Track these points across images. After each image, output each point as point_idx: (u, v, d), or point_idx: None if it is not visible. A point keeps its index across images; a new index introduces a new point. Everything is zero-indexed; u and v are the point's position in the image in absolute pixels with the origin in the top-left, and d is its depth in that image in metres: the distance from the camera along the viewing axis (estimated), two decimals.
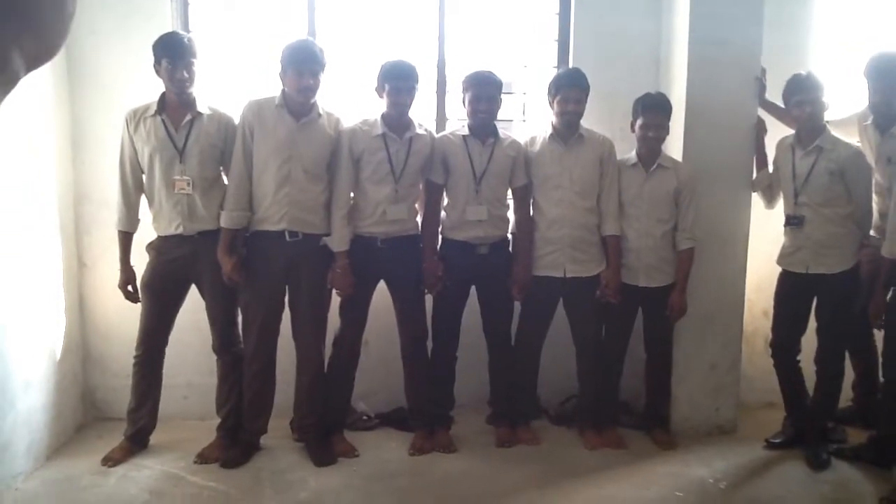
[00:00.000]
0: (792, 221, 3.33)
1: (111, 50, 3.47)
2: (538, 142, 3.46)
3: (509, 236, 3.51)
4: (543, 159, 3.42)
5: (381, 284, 3.45)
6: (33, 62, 0.60)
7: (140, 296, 3.26)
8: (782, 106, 3.42)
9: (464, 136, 3.39)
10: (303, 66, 3.08)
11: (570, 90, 3.33)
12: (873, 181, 3.32)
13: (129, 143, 3.19)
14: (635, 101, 3.39)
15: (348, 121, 3.33)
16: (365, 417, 3.72)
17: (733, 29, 3.42)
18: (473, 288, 3.52)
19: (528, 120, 4.12)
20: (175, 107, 3.16)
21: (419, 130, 3.35)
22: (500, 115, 3.47)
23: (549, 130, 3.43)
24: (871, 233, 3.31)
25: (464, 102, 3.39)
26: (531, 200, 3.50)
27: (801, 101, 3.27)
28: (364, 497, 3.07)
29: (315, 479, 3.19)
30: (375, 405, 3.78)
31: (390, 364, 3.58)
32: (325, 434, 3.41)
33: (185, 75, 3.10)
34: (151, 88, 3.22)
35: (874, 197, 3.32)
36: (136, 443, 3.34)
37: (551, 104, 3.39)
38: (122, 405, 3.41)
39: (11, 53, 0.57)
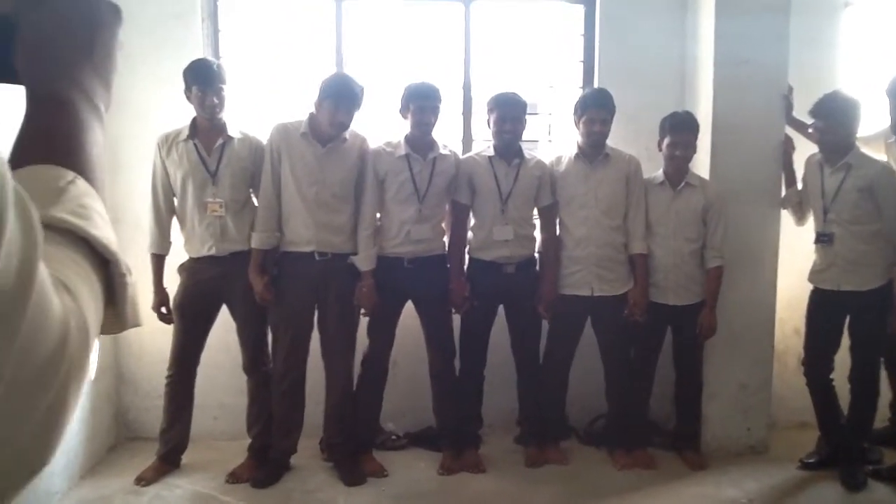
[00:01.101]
0: (822, 239, 3.31)
1: (144, 77, 3.55)
2: (564, 161, 3.48)
3: (536, 255, 3.52)
4: (569, 179, 3.44)
5: (410, 305, 3.47)
6: (106, 112, 0.65)
7: (172, 316, 3.32)
8: (809, 123, 3.40)
9: (489, 156, 3.42)
10: (339, 101, 3.13)
11: (596, 111, 3.34)
12: None
13: (161, 168, 3.26)
14: (662, 119, 3.40)
15: (374, 142, 3.38)
16: (394, 437, 3.73)
17: (759, 48, 3.42)
18: (501, 307, 3.52)
19: (553, 140, 4.14)
20: (206, 131, 3.23)
21: (443, 151, 3.39)
22: (525, 136, 3.49)
23: (575, 150, 3.45)
24: None
25: (489, 123, 3.42)
26: (557, 220, 3.51)
27: (819, 128, 3.26)
28: None
29: (345, 498, 3.20)
30: (404, 425, 3.78)
31: (418, 384, 3.59)
32: (354, 454, 3.42)
33: (215, 101, 3.17)
34: (182, 114, 3.29)
35: None
36: (169, 462, 3.38)
37: (577, 124, 3.41)
38: (154, 425, 3.46)
39: (99, 104, 0.63)
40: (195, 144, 3.22)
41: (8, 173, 0.40)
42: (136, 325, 0.59)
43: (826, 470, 3.42)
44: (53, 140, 0.57)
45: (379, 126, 3.66)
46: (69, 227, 0.52)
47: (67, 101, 0.60)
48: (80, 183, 0.57)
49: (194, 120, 3.25)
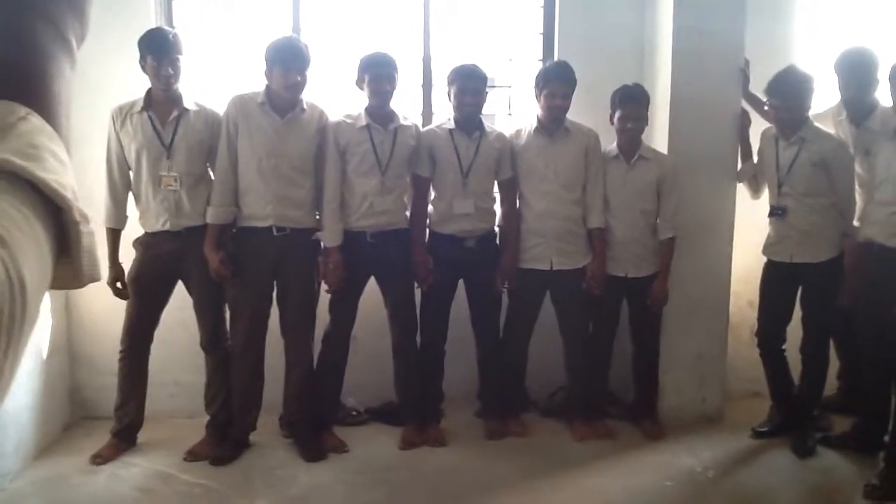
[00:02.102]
0: (776, 212, 3.36)
1: (95, 46, 3.40)
2: (524, 135, 3.47)
3: (496, 229, 3.52)
4: (529, 152, 3.43)
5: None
6: (78, 47, 0.61)
7: (127, 292, 3.25)
8: (764, 100, 3.44)
9: (450, 129, 3.40)
10: (290, 63, 3.08)
11: (557, 84, 3.33)
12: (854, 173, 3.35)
13: (115, 140, 3.18)
14: (613, 93, 3.41)
15: (333, 115, 3.33)
16: (354, 412, 3.72)
17: (717, 19, 3.45)
18: (461, 282, 3.52)
19: (513, 114, 4.12)
20: (161, 103, 3.14)
21: (404, 122, 3.36)
22: (484, 110, 3.47)
23: (535, 123, 3.44)
24: (855, 223, 3.34)
25: (449, 96, 3.39)
26: (517, 193, 3.51)
27: (774, 105, 3.30)
28: (355, 491, 3.08)
29: (306, 474, 3.19)
30: (365, 400, 3.77)
31: (379, 359, 3.58)
32: (314, 430, 3.41)
33: (171, 72, 3.09)
34: (137, 85, 3.20)
35: (857, 188, 3.36)
36: (124, 440, 3.33)
37: (538, 97, 3.40)
38: (109, 403, 3.39)
39: (69, 35, 0.58)
40: (150, 116, 3.13)
41: None
42: (95, 279, 0.54)
43: (778, 438, 3.51)
44: (3, 71, 0.52)
45: (338, 100, 3.60)
46: (12, 169, 0.47)
47: (27, 29, 0.55)
48: (34, 119, 0.52)
49: (149, 91, 3.16)
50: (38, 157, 0.49)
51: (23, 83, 0.54)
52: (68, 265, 0.52)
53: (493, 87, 3.80)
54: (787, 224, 3.32)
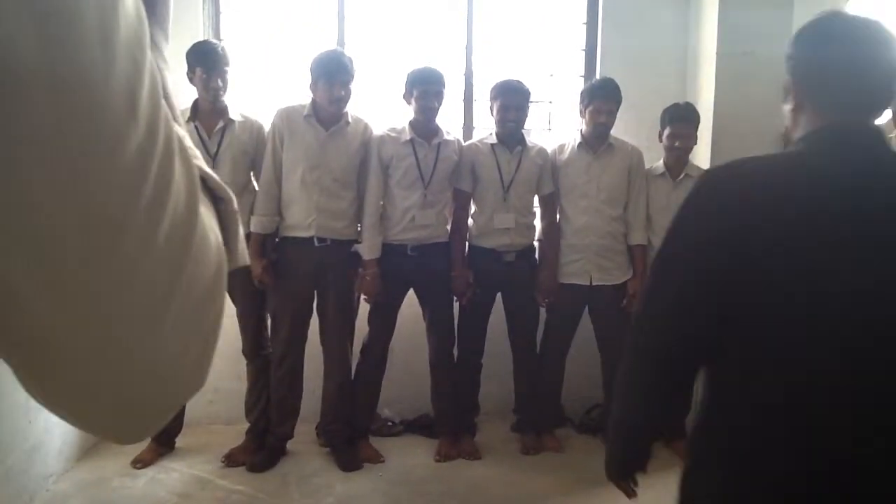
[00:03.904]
0: None
1: None
2: (567, 150, 3.48)
3: (535, 244, 3.52)
4: (572, 167, 3.44)
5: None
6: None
7: None
8: None
9: (492, 144, 3.42)
10: (334, 77, 3.12)
11: (603, 101, 3.34)
12: None
13: None
14: (663, 111, 3.40)
15: (377, 128, 3.37)
16: (390, 423, 3.74)
17: (761, 39, 3.41)
18: (499, 296, 3.53)
19: (553, 129, 4.13)
20: (208, 114, 3.21)
21: (447, 137, 3.39)
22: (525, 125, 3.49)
23: (579, 139, 3.45)
24: None
25: (492, 111, 3.41)
26: (558, 208, 3.51)
27: None
28: (389, 502, 3.08)
29: (341, 484, 3.21)
30: (401, 412, 3.79)
31: (416, 371, 3.59)
32: (350, 439, 3.43)
33: (220, 84, 3.15)
34: (184, 95, 3.26)
35: None
36: (164, 444, 3.38)
37: (582, 113, 3.40)
38: None
39: (165, 55, 0.62)
40: (196, 127, 3.19)
41: (171, 118, 0.41)
42: (246, 262, 0.58)
43: None
44: None
45: (382, 113, 3.64)
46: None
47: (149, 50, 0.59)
48: (177, 126, 0.57)
49: (196, 102, 3.22)
50: (197, 156, 0.53)
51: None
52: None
53: (534, 102, 3.81)
54: None
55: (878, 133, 1.21)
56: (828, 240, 1.13)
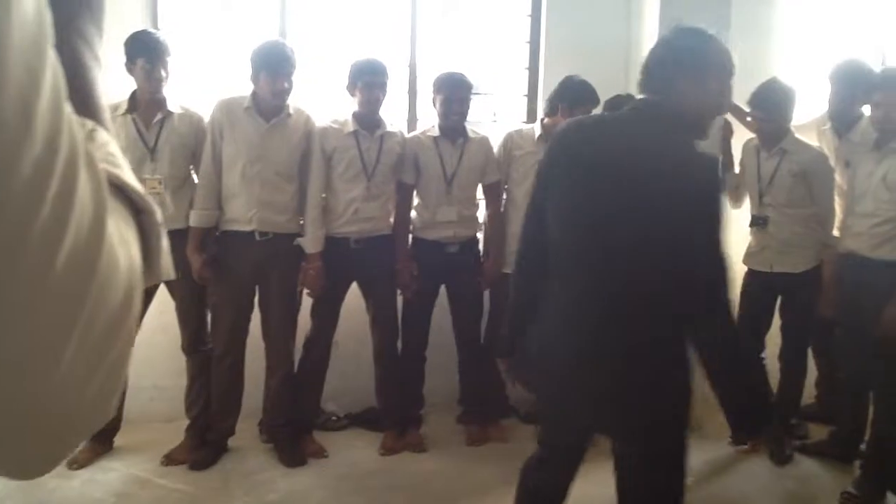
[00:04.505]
0: (757, 222, 3.40)
1: None
2: (525, 141, 3.46)
3: (478, 236, 3.53)
4: (531, 158, 3.39)
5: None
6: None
7: None
8: (747, 110, 3.48)
9: (434, 137, 3.40)
10: (276, 69, 3.07)
11: (582, 108, 3.29)
12: (835, 184, 3.39)
13: None
14: (605, 102, 3.42)
15: (319, 120, 3.32)
16: (335, 418, 3.71)
17: None
18: (443, 288, 3.52)
19: (498, 121, 4.14)
20: (146, 106, 3.12)
21: (390, 128, 3.36)
22: (470, 116, 3.48)
23: (539, 132, 3.45)
24: (834, 233, 3.37)
25: (434, 104, 3.39)
26: (503, 197, 3.51)
27: (757, 117, 3.35)
28: (333, 497, 3.06)
29: (284, 479, 3.17)
30: (346, 406, 3.76)
31: (361, 364, 3.57)
32: (294, 435, 3.39)
33: (163, 75, 3.07)
34: (121, 86, 3.16)
35: (836, 198, 3.40)
36: (101, 443, 3.29)
37: (557, 111, 3.36)
38: None
39: (96, 48, 0.59)
40: (133, 119, 3.11)
41: (77, 126, 0.37)
42: (170, 276, 0.55)
43: (757, 445, 3.54)
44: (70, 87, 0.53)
45: (324, 104, 3.59)
46: (109, 178, 0.48)
47: (74, 48, 0.56)
48: (101, 131, 0.52)
49: (134, 93, 3.13)
50: (119, 165, 0.50)
51: (85, 99, 0.55)
52: (144, 265, 0.54)
53: (478, 94, 3.81)
54: (768, 234, 3.36)
55: (664, 109, 1.74)
56: (599, 180, 1.70)
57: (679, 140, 1.72)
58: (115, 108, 3.12)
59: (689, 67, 1.74)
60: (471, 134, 3.45)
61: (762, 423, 2.24)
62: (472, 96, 3.41)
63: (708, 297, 1.70)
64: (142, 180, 3.00)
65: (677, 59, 1.76)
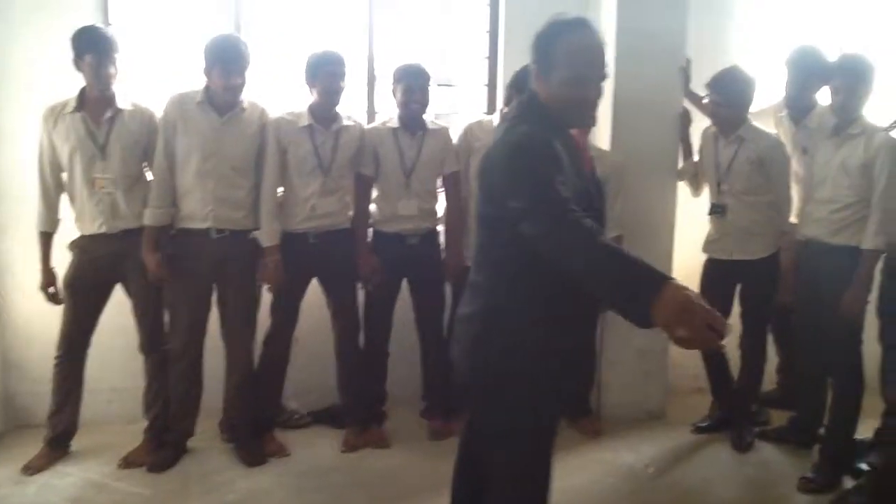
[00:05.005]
0: (715, 209, 3.40)
1: (26, 41, 3.34)
2: (484, 130, 3.41)
3: (439, 228, 3.49)
4: None
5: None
6: None
7: (62, 296, 3.16)
8: (702, 94, 3.47)
9: (393, 128, 3.36)
10: (230, 64, 3.01)
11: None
12: (791, 170, 3.40)
13: (47, 142, 3.08)
14: None
15: (274, 113, 3.27)
16: (297, 416, 3.67)
17: (659, 20, 3.47)
18: (404, 283, 3.50)
19: (460, 112, 4.10)
20: (95, 103, 3.05)
21: (347, 122, 3.31)
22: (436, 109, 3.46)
23: (498, 122, 3.41)
24: (792, 220, 3.38)
25: (394, 94, 3.35)
26: (462, 188, 3.47)
27: (713, 100, 3.34)
28: (294, 496, 3.03)
29: (244, 479, 3.14)
30: (308, 403, 3.73)
31: (322, 361, 3.53)
32: (255, 434, 3.35)
33: (112, 71, 3.00)
34: (72, 83, 3.08)
35: (793, 185, 3.40)
36: (57, 448, 3.23)
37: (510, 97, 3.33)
38: (44, 412, 3.27)
39: None
40: (82, 117, 3.03)
41: None
42: None
43: (718, 433, 3.57)
44: None
45: (279, 99, 3.54)
46: None
47: None
48: None
49: (83, 90, 3.06)
50: None
51: None
52: None
53: (442, 86, 3.79)
54: (727, 222, 3.36)
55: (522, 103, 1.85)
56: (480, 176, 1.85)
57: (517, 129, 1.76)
58: (63, 105, 3.05)
59: (536, 60, 1.83)
60: (430, 125, 3.41)
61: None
62: (430, 86, 3.36)
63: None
64: (92, 179, 2.99)
65: (532, 54, 1.84)
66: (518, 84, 3.24)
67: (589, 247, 1.48)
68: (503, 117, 1.88)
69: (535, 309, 1.74)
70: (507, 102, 3.38)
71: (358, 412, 3.49)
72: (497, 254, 1.78)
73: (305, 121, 3.21)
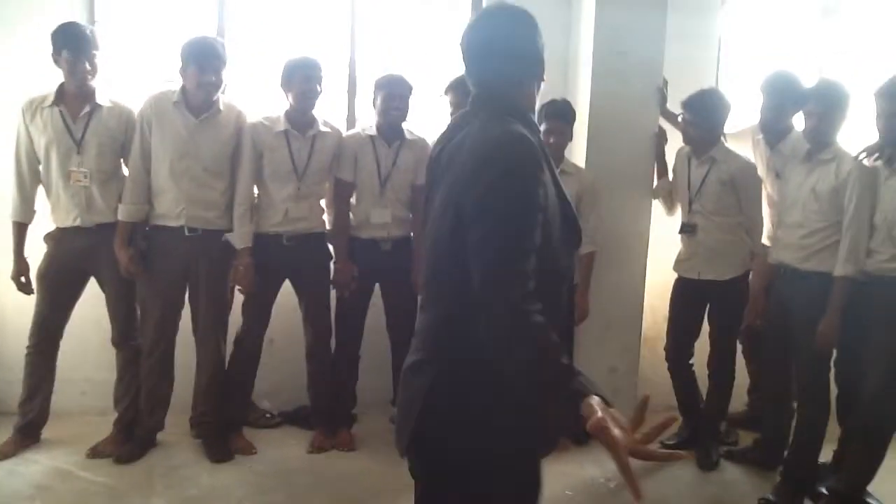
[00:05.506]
0: (686, 229, 3.42)
1: (9, 36, 3.43)
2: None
3: (411, 235, 3.54)
4: None
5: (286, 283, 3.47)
6: None
7: (35, 286, 3.22)
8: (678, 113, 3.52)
9: (371, 136, 3.42)
10: (204, 62, 3.08)
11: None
12: (764, 193, 3.42)
13: (25, 134, 3.16)
14: (540, 107, 3.44)
15: (253, 116, 3.33)
16: (268, 415, 3.72)
17: (636, 40, 3.52)
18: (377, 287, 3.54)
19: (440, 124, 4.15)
20: (74, 98, 3.13)
21: (323, 128, 3.37)
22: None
23: None
24: (765, 242, 3.40)
25: (374, 103, 3.41)
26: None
27: (686, 120, 3.38)
28: (255, 493, 3.07)
29: (208, 475, 3.18)
30: (280, 404, 3.78)
31: (295, 362, 3.57)
32: (223, 431, 3.40)
33: (87, 68, 3.08)
34: (52, 77, 3.17)
35: (766, 208, 3.43)
36: (27, 436, 3.29)
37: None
38: (16, 400, 3.34)
39: None
40: (60, 111, 3.11)
41: None
42: None
43: (685, 451, 3.56)
44: None
45: (260, 103, 3.60)
46: None
47: None
48: None
49: (62, 85, 3.14)
50: None
51: None
52: None
53: (429, 97, 3.84)
54: (696, 241, 3.39)
55: (489, 110, 1.49)
56: (432, 179, 1.57)
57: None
58: (42, 99, 3.13)
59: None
60: (408, 136, 3.47)
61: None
62: (410, 95, 3.42)
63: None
64: (68, 173, 3.06)
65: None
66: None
67: (525, 353, 1.28)
68: (462, 116, 1.58)
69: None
70: (457, 110, 3.39)
71: (327, 414, 3.53)
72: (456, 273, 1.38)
73: (281, 126, 3.27)
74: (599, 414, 1.20)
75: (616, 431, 1.19)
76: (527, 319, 1.28)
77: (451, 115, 3.39)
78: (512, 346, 1.29)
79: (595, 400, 1.24)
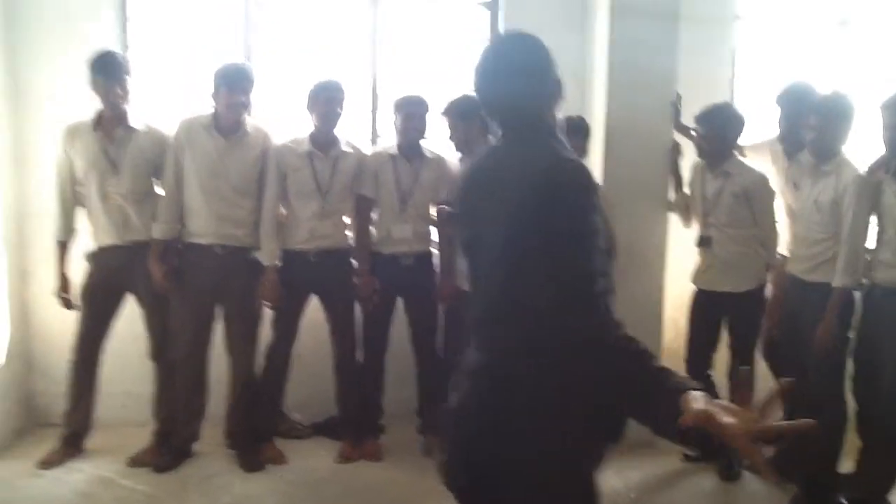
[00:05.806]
0: (702, 241, 3.47)
1: (53, 67, 3.63)
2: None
3: (434, 251, 3.64)
4: None
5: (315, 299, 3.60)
6: None
7: (77, 302, 3.41)
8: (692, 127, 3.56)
9: (392, 154, 3.54)
10: (235, 84, 3.25)
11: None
12: (784, 204, 3.45)
13: (65, 158, 3.34)
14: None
15: (280, 138, 3.48)
16: (299, 426, 3.84)
17: (650, 55, 3.56)
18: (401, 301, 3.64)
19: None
20: (110, 122, 3.30)
21: (345, 148, 3.49)
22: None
23: None
24: (784, 253, 3.42)
25: (395, 123, 3.53)
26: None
27: (700, 133, 3.43)
28: (286, 502, 3.19)
29: (240, 483, 3.31)
30: (310, 416, 3.89)
31: (324, 375, 3.68)
32: (255, 441, 3.53)
33: (119, 93, 3.25)
34: (93, 104, 3.34)
35: (785, 219, 3.45)
36: (72, 445, 3.46)
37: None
38: (61, 411, 3.52)
39: None
40: (98, 135, 3.29)
41: None
42: None
43: (706, 463, 3.59)
44: None
45: (287, 126, 3.74)
46: None
47: None
48: None
49: (100, 111, 3.32)
50: None
51: None
52: None
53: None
54: (712, 254, 3.43)
55: (526, 133, 1.55)
56: (477, 202, 1.57)
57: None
58: (81, 124, 3.32)
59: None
60: (427, 154, 3.58)
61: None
62: (428, 115, 3.53)
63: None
64: (106, 193, 3.25)
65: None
66: (464, 112, 3.37)
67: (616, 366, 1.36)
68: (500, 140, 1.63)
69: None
70: (454, 132, 3.48)
71: (354, 425, 3.64)
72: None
73: (305, 147, 3.42)
74: (701, 406, 1.17)
75: (726, 419, 1.13)
76: (613, 333, 1.39)
77: (450, 137, 3.49)
78: (600, 358, 1.37)
79: (695, 394, 1.22)
